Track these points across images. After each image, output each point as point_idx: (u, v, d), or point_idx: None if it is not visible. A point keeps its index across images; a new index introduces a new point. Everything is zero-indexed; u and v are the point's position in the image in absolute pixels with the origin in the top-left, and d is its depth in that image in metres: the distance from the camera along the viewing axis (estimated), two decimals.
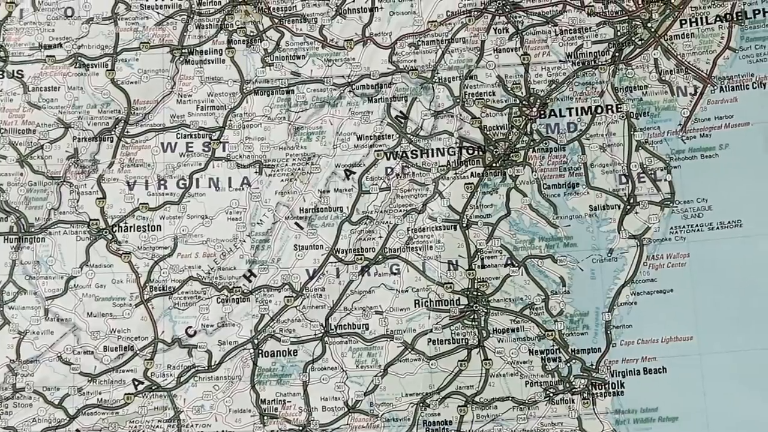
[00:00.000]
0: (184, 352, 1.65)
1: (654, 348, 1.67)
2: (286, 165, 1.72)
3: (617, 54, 1.78)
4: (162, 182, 1.69)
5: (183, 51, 1.78)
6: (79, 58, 1.74)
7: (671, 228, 1.69)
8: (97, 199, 1.63)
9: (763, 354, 1.65)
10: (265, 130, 1.74)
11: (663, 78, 1.74)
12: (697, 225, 1.69)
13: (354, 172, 1.71)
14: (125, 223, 1.65)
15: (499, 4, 1.79)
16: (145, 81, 1.76)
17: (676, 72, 1.73)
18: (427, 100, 1.75)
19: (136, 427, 1.69)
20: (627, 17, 1.80)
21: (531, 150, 1.75)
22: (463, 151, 1.73)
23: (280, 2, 1.79)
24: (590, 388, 1.61)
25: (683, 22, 1.79)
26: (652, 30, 1.80)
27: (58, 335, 1.61)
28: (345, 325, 1.64)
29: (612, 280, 1.70)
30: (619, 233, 1.70)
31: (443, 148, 1.74)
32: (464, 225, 1.69)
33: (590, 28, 1.79)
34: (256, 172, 1.71)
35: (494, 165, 1.72)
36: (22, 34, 1.75)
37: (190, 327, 1.62)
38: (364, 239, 1.71)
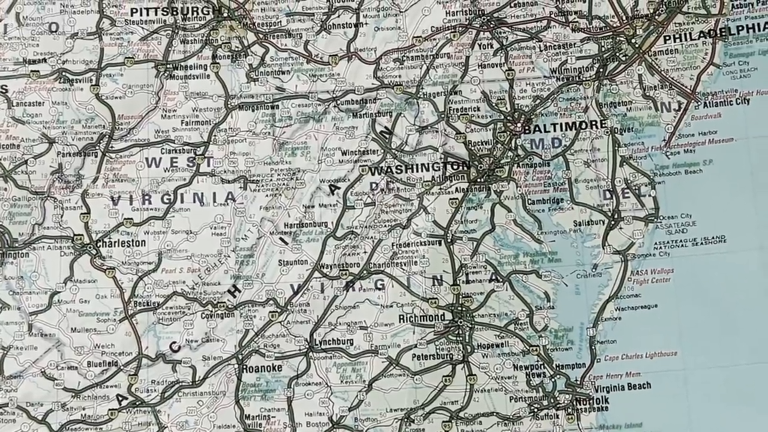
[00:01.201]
0: (169, 367, 1.66)
1: (638, 363, 1.69)
2: (271, 180, 1.73)
3: (601, 70, 1.80)
4: (146, 197, 1.70)
5: (168, 66, 1.79)
6: (64, 73, 1.75)
7: (655, 243, 1.71)
8: (82, 214, 1.64)
9: (747, 369, 1.66)
10: (249, 145, 1.75)
11: (647, 94, 1.76)
12: (681, 240, 1.71)
13: (339, 187, 1.73)
14: (109, 238, 1.66)
15: (484, 19, 1.81)
16: (130, 96, 1.77)
17: (661, 88, 1.76)
18: (411, 115, 1.77)
19: None
20: (611, 33, 1.83)
21: (516, 165, 1.77)
22: (448, 166, 1.75)
23: (264, 18, 1.81)
24: (575, 403, 1.62)
25: (667, 38, 1.81)
26: (637, 46, 1.82)
27: (42, 351, 1.62)
28: (329, 340, 1.65)
29: (596, 295, 1.71)
30: (603, 248, 1.72)
31: (428, 164, 1.76)
32: (449, 240, 1.71)
33: (574, 43, 1.81)
34: (240, 188, 1.73)
35: (479, 180, 1.74)
36: (6, 49, 1.76)
37: (175, 342, 1.63)
38: (349, 254, 1.72)
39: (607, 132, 1.74)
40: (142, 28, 1.80)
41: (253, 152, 1.73)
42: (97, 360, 1.64)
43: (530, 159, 1.75)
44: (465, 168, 1.71)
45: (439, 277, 1.67)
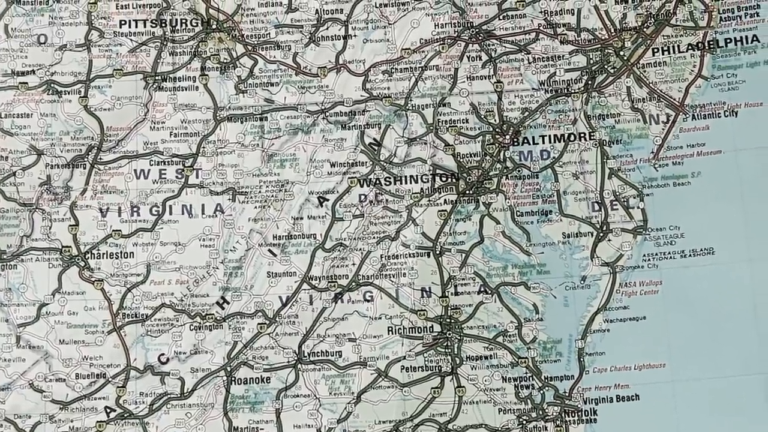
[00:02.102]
0: (157, 379, 1.66)
1: (627, 375, 1.70)
2: (260, 192, 1.74)
3: (590, 82, 1.81)
4: (135, 209, 1.71)
5: (156, 78, 1.80)
6: (52, 85, 1.75)
7: (644, 255, 1.72)
8: (70, 226, 1.65)
9: (736, 381, 1.67)
10: (238, 157, 1.76)
11: (635, 106, 1.78)
12: (669, 252, 1.72)
13: (327, 199, 1.74)
14: (98, 250, 1.66)
15: (473, 32, 1.82)
16: (119, 108, 1.77)
17: (649, 100, 1.77)
18: (400, 127, 1.78)
19: None
20: (599, 45, 1.84)
21: (504, 177, 1.78)
22: (437, 178, 1.76)
23: (253, 29, 1.82)
24: (563, 415, 1.63)
25: (655, 50, 1.83)
26: (625, 58, 1.83)
27: (30, 363, 1.62)
28: (318, 352, 1.66)
29: (585, 307, 1.72)
30: (592, 260, 1.73)
31: (416, 176, 1.77)
32: (437, 252, 1.72)
33: (563, 56, 1.83)
34: (229, 199, 1.73)
35: (467, 192, 1.75)
36: None
37: (163, 354, 1.63)
38: (338, 266, 1.73)
39: (595, 144, 1.76)
40: (131, 40, 1.81)
41: (241, 164, 1.74)
42: (85, 372, 1.64)
43: (519, 171, 1.76)
44: (454, 180, 1.72)
45: (427, 289, 1.67)
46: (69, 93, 1.71)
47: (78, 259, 1.64)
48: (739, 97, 1.73)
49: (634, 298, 1.70)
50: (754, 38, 1.78)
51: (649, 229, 1.71)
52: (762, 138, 1.74)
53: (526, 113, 1.78)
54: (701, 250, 1.70)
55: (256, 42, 1.84)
